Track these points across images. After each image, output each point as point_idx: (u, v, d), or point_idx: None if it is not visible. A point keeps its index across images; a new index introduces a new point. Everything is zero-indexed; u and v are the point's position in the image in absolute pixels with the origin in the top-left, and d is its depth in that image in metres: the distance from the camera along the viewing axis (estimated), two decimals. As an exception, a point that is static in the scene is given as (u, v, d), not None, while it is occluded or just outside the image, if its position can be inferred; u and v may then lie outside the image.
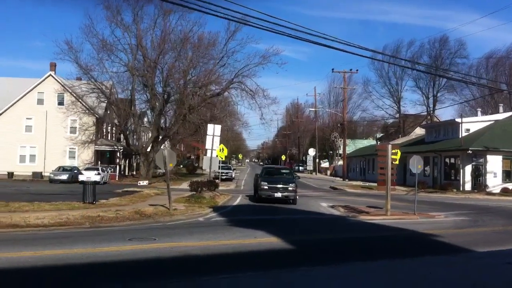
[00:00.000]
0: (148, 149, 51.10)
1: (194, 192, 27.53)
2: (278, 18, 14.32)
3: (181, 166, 78.74)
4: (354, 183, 54.20)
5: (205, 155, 34.27)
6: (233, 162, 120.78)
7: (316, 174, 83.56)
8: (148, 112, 55.95)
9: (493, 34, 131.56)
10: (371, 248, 13.85)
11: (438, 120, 72.53)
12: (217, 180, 35.09)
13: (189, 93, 49.86)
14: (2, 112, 52.40)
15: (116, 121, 53.92)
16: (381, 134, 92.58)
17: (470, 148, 40.25)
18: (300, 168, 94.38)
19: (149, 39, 50.14)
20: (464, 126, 45.00)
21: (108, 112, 54.29)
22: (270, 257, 11.97)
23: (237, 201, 28.26)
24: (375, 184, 44.19)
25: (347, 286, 7.80)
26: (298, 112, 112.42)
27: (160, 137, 52.00)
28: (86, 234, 14.57)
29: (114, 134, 60.35)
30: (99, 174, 43.46)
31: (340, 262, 10.83)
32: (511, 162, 41.04)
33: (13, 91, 52.61)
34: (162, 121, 53.52)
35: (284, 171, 32.27)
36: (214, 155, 31.08)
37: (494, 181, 40.29)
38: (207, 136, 31.25)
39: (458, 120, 46.81)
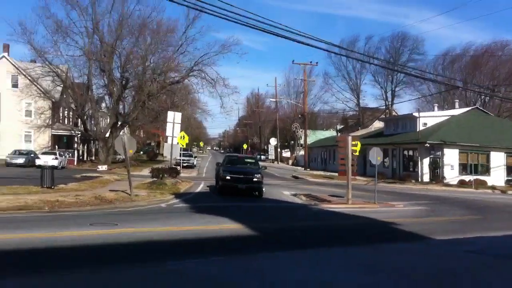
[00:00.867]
0: (107, 135, 50.23)
1: (156, 179, 27.23)
2: (238, 8, 14.18)
3: (142, 152, 77.82)
4: (316, 172, 54.75)
5: (166, 142, 33.92)
6: (195, 149, 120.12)
7: (278, 163, 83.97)
8: (106, 97, 54.96)
9: (450, 32, 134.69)
10: (332, 235, 14.01)
11: (396, 114, 73.93)
12: (178, 167, 34.80)
13: (148, 79, 49.22)
14: (-46, 93, 50.45)
15: (72, 105, 52.74)
16: (341, 126, 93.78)
17: (427, 142, 41.21)
18: (262, 157, 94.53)
19: (106, 23, 49.21)
20: (422, 120, 46.10)
21: (64, 96, 52.96)
22: (233, 242, 11.95)
23: (199, 188, 28.09)
24: (336, 174, 44.77)
25: (308, 270, 7.85)
26: (258, 102, 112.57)
27: (119, 123, 51.19)
28: (45, 219, 14.19)
29: (71, 119, 58.96)
30: (56, 158, 42.47)
31: (301, 248, 10.91)
32: (468, 155, 42.26)
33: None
34: (120, 107, 52.78)
35: (248, 160, 29.18)
36: (175, 142, 30.83)
37: (452, 173, 41.39)
38: (168, 123, 31.01)
39: (416, 114, 47.81)
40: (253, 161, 28.50)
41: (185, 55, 50.32)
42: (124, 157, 23.41)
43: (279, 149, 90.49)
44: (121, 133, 48.09)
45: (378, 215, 18.71)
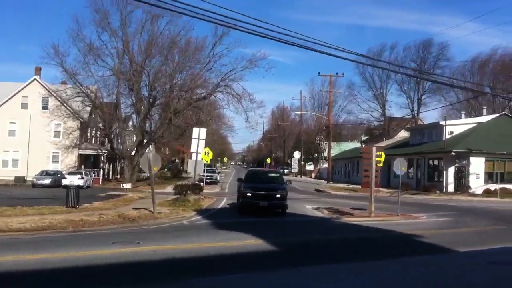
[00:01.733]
0: (133, 153, 50.83)
1: (179, 195, 27.43)
2: (265, 22, 14.38)
3: (166, 169, 78.47)
4: (339, 185, 54.43)
5: (190, 158, 34.21)
6: (218, 165, 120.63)
7: (301, 176, 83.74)
8: (133, 116, 55.64)
9: (477, 38, 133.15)
10: (355, 249, 13.95)
11: (422, 123, 73.11)
12: (202, 183, 35.04)
13: (175, 96, 49.74)
14: (-15, 116, 51.85)
15: (100, 125, 53.59)
16: (366, 137, 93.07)
17: (453, 150, 40.65)
18: (285, 170, 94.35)
19: (136, 43, 49.93)
20: (448, 129, 45.44)
21: (93, 116, 53.98)
22: (255, 258, 12.01)
23: (221, 204, 28.22)
24: (359, 186, 44.45)
25: (333, 285, 7.84)
26: (283, 116, 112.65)
27: (145, 141, 51.78)
28: (69, 238, 14.49)
29: (98, 138, 59.92)
30: (82, 178, 43.17)
31: (323, 263, 10.89)
32: (494, 163, 41.50)
33: (-3, 95, 52.16)
34: (147, 124, 53.32)
35: (272, 175, 27.15)
36: (199, 158, 31.06)
37: (477, 183, 40.71)
38: (193, 140, 31.21)
39: (442, 122, 47.22)
40: (277, 175, 26.71)
41: (212, 71, 50.63)
42: (148, 174, 23.69)
43: (302, 162, 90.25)
44: (146, 150, 48.63)
45: (401, 227, 18.55)
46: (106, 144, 56.91)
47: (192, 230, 17.13)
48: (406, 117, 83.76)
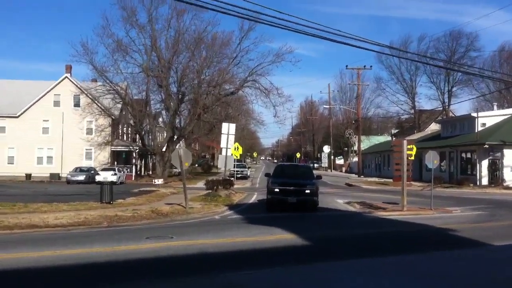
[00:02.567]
0: (164, 149, 51.41)
1: (210, 191, 27.68)
2: (291, 15, 14.37)
3: (197, 165, 79.07)
4: (370, 179, 54.03)
5: (220, 154, 34.42)
6: (248, 160, 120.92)
7: (331, 171, 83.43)
8: (163, 112, 56.33)
9: (506, 27, 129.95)
10: (389, 243, 13.84)
11: (453, 115, 71.92)
12: (232, 179, 35.23)
13: (203, 92, 50.10)
14: (20, 115, 53.06)
15: (131, 121, 54.36)
16: (396, 130, 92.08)
17: (486, 143, 39.93)
18: (315, 165, 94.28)
19: (164, 39, 50.51)
20: (480, 121, 44.64)
21: (124, 113, 54.78)
22: (288, 253, 12.02)
23: (252, 199, 28.34)
24: (391, 180, 44.06)
25: (368, 280, 7.82)
26: (312, 110, 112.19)
27: (175, 137, 52.30)
28: (104, 234, 14.76)
29: (129, 135, 60.82)
30: (115, 174, 43.87)
31: (358, 257, 10.83)
32: (529, 155, 40.58)
33: (30, 94, 53.29)
34: (177, 121, 53.89)
35: (301, 169, 26.63)
36: (229, 153, 31.20)
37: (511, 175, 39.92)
38: (222, 135, 31.37)
39: (474, 114, 46.42)
40: (306, 170, 25.97)
41: (239, 66, 50.89)
42: (180, 170, 23.92)
43: (332, 157, 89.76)
44: (177, 146, 49.10)
45: (434, 221, 18.33)
46: (137, 140, 57.69)
47: (224, 225, 17.26)
48: (436, 109, 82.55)
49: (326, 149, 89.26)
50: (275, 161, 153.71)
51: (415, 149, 24.21)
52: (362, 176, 60.78)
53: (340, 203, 26.07)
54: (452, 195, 32.81)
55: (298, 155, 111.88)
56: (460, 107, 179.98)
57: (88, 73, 68.66)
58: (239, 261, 10.90)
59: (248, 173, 58.16)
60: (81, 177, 44.27)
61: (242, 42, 49.68)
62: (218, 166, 41.20)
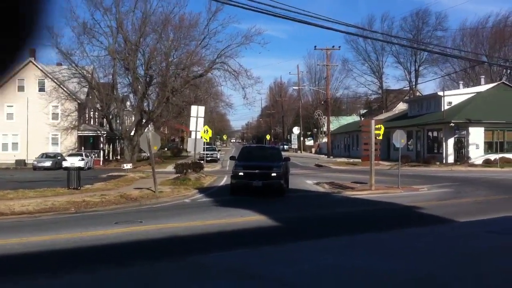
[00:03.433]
0: (132, 133, 50.84)
1: (180, 174, 27.52)
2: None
3: (166, 149, 78.54)
4: (339, 159, 54.56)
5: (190, 137, 34.20)
6: (218, 143, 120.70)
7: (301, 152, 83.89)
8: (131, 95, 55.56)
9: (469, 5, 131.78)
10: (356, 222, 14.03)
11: (420, 94, 72.95)
12: (202, 162, 35.08)
13: (171, 75, 49.59)
14: (-18, 101, 51.65)
15: (98, 105, 53.45)
16: (365, 110, 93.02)
17: (452, 121, 40.67)
18: (285, 147, 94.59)
19: (130, 21, 49.62)
20: (447, 99, 45.34)
21: (90, 97, 53.78)
22: (258, 234, 12.07)
23: (222, 182, 28.27)
24: (360, 160, 44.59)
25: (337, 259, 7.89)
26: (281, 91, 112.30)
27: (144, 121, 51.75)
28: (72, 220, 14.55)
29: (97, 119, 59.85)
30: (83, 159, 43.24)
31: (326, 236, 10.95)
32: (493, 133, 41.55)
33: (-8, 79, 51.79)
34: (145, 104, 53.22)
35: (268, 151, 25.51)
36: (198, 136, 31.01)
37: (477, 153, 40.83)
38: (191, 118, 31.12)
39: (440, 93, 47.16)
40: (274, 152, 24.76)
41: (208, 48, 50.49)
42: (148, 154, 23.68)
43: (302, 138, 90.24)
44: (145, 130, 48.60)
45: (402, 199, 18.66)
46: (105, 125, 56.88)
47: (194, 208, 17.22)
48: (404, 89, 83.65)
49: (296, 130, 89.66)
50: (245, 143, 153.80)
51: (383, 128, 24.52)
52: (332, 157, 61.30)
53: (309, 184, 26.26)
54: (419, 173, 33.41)
55: (268, 137, 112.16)
56: (427, 86, 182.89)
57: (53, 56, 67.05)
58: (209, 243, 10.90)
59: (218, 156, 58.03)
60: (48, 163, 43.54)
61: (210, 23, 49.26)
62: (188, 150, 40.97)
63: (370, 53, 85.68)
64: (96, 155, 51.04)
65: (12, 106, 51.84)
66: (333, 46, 66.09)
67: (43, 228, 12.89)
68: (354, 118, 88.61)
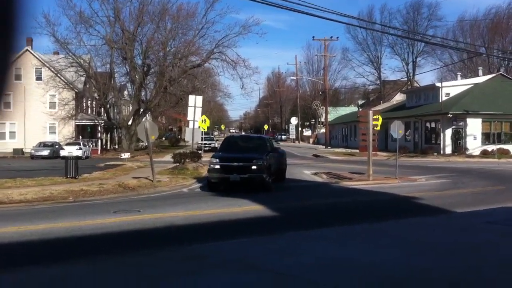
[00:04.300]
0: (130, 122, 50.76)
1: (178, 164, 27.51)
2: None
3: (164, 138, 78.48)
4: (337, 150, 54.61)
5: (187, 126, 34.14)
6: (216, 133, 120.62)
7: (299, 142, 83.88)
8: (128, 85, 55.51)
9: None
10: (354, 212, 14.07)
11: (418, 85, 72.91)
12: (200, 151, 35.06)
13: (169, 64, 49.44)
14: (-21, 89, 51.37)
15: (96, 95, 53.33)
16: (363, 101, 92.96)
17: (450, 112, 40.66)
18: (283, 137, 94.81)
19: (127, 11, 49.52)
20: (444, 91, 45.31)
21: (88, 86, 53.66)
22: (256, 223, 12.10)
23: (220, 171, 28.25)
24: (357, 151, 44.60)
25: (336, 248, 7.92)
26: (279, 81, 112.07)
27: (141, 110, 51.67)
28: (70, 208, 14.56)
29: (94, 108, 59.73)
30: (80, 149, 43.16)
31: (324, 226, 10.98)
32: (491, 124, 41.52)
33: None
34: (142, 93, 53.14)
35: (254, 141, 22.68)
36: (196, 126, 30.97)
37: (474, 144, 40.88)
38: (189, 108, 31.05)
39: (438, 84, 47.11)
40: (260, 141, 22.00)
41: (206, 38, 50.32)
42: (146, 143, 23.67)
43: (300, 128, 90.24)
44: (143, 119, 48.54)
45: (399, 190, 18.69)
46: (102, 114, 56.76)
47: (192, 198, 17.24)
48: (402, 79, 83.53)
49: (294, 120, 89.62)
50: (243, 133, 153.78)
51: (380, 119, 24.48)
52: (329, 147, 61.32)
53: (307, 174, 26.29)
54: (417, 164, 33.45)
55: (266, 127, 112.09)
56: (425, 77, 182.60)
57: (50, 45, 66.89)
58: (207, 233, 10.91)
59: (216, 146, 57.98)
60: (45, 152, 43.47)
61: (208, 13, 49.04)
62: (186, 139, 40.96)
63: (369, 44, 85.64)
64: (93, 144, 50.93)
65: (9, 94, 51.48)
66: (331, 37, 65.85)
67: (41, 217, 12.90)
68: (352, 108, 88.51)
